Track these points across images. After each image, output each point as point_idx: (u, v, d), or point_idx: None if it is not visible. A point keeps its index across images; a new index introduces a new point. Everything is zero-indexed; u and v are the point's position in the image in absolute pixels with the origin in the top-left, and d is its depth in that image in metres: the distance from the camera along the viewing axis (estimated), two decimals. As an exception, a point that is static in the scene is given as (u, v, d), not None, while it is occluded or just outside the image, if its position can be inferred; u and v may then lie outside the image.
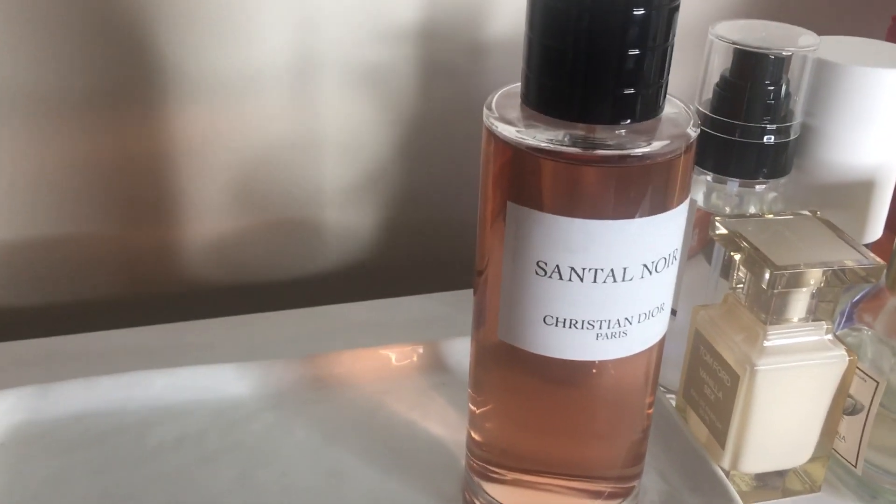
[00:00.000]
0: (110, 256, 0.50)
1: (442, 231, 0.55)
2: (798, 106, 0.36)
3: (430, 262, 0.56)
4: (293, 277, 0.54)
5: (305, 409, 0.39)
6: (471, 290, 0.32)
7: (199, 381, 0.39)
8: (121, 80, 0.46)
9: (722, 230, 0.35)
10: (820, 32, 0.40)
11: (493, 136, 0.28)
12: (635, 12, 0.26)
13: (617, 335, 0.29)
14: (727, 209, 0.38)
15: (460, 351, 0.42)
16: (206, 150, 0.49)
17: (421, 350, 0.42)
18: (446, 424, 0.39)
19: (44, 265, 0.49)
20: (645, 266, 0.28)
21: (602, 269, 0.28)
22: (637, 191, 0.27)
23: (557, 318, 0.28)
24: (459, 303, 0.48)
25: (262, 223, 0.52)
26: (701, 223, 0.38)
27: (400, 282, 0.55)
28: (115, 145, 0.47)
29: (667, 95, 0.29)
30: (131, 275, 0.51)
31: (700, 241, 0.39)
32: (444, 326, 0.46)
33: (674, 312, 0.40)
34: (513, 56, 0.44)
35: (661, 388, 0.42)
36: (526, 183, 0.28)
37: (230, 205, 0.51)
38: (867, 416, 0.35)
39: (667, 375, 0.41)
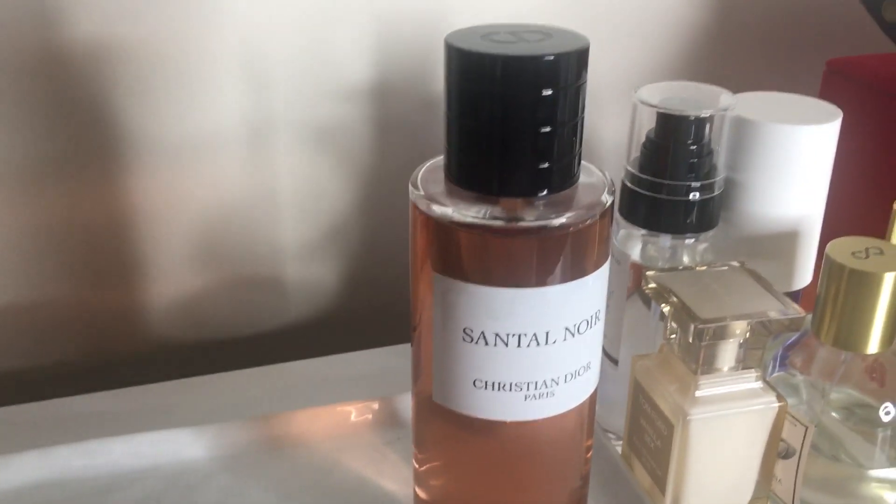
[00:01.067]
0: (71, 321, 0.51)
1: (402, 283, 0.56)
2: (720, 162, 0.37)
3: (391, 315, 0.57)
4: (256, 333, 0.55)
5: (261, 471, 0.40)
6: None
7: (157, 445, 0.40)
8: (78, 144, 0.47)
9: (652, 284, 0.36)
10: (756, 85, 0.42)
11: (418, 210, 0.29)
12: (544, 93, 0.27)
13: (545, 395, 0.30)
14: (661, 262, 0.39)
15: (413, 406, 0.43)
16: (166, 211, 0.50)
17: (376, 406, 0.43)
18: (399, 481, 0.40)
19: (2, 333, 0.50)
20: (567, 329, 0.29)
21: (525, 334, 0.29)
22: (556, 259, 0.29)
23: (486, 382, 0.30)
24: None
25: (223, 281, 0.53)
26: (636, 270, 0.40)
27: (362, 335, 0.56)
28: (74, 210, 0.48)
29: (582, 163, 0.30)
30: (93, 338, 0.52)
31: (636, 283, 0.41)
32: (403, 380, 0.47)
33: (616, 362, 0.42)
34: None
35: (610, 435, 0.43)
36: (450, 255, 0.29)
37: (191, 264, 0.52)
38: (799, 458, 0.36)
39: (613, 421, 0.43)
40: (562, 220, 0.28)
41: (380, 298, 0.57)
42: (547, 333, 0.29)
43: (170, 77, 0.47)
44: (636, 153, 0.38)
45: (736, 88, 0.39)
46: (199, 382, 0.48)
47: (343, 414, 0.43)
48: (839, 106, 0.39)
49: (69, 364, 0.52)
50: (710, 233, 0.38)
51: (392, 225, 0.55)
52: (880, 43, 0.51)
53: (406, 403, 0.43)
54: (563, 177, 0.29)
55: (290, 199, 0.52)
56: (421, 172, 0.31)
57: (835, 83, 0.51)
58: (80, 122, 0.46)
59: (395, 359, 0.50)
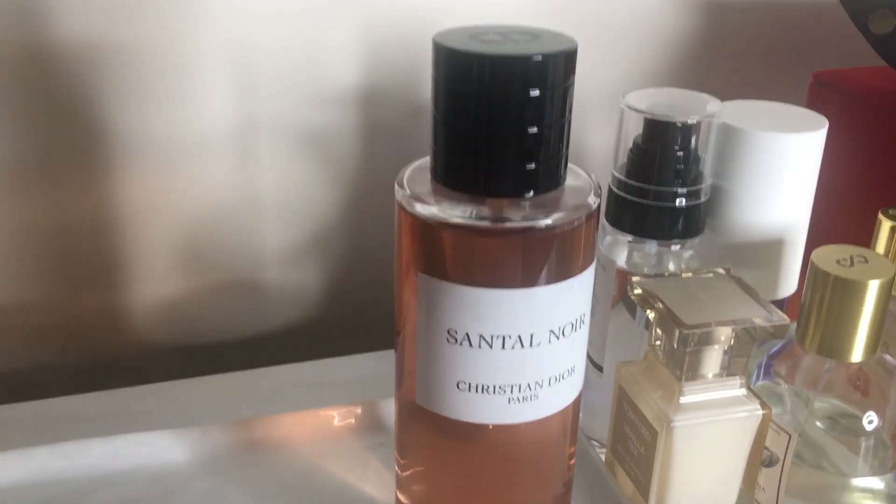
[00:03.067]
0: (52, 323, 0.50)
1: (386, 289, 0.56)
2: (707, 169, 0.37)
3: (375, 320, 0.57)
4: (240, 337, 0.55)
5: (241, 474, 0.40)
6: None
7: (136, 448, 0.40)
8: (63, 145, 0.47)
9: (638, 290, 0.36)
10: (743, 95, 0.42)
11: (403, 210, 0.29)
12: (532, 93, 0.27)
13: (528, 398, 0.30)
14: (646, 269, 0.39)
15: (396, 411, 0.42)
16: (151, 213, 0.50)
17: (359, 411, 0.43)
18: (381, 486, 0.39)
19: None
20: (552, 331, 0.29)
21: (510, 336, 0.29)
22: (541, 260, 0.29)
23: (470, 384, 0.29)
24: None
25: (207, 284, 0.53)
26: (622, 276, 0.40)
27: (345, 340, 0.56)
28: (58, 211, 0.48)
29: (568, 166, 0.30)
30: (74, 340, 0.51)
31: (621, 291, 0.41)
32: (387, 385, 0.47)
33: (600, 369, 0.42)
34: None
35: (594, 443, 0.43)
36: (435, 255, 0.29)
37: (175, 267, 0.52)
38: (783, 467, 0.36)
39: (597, 430, 0.43)
40: (548, 221, 0.28)
41: (364, 304, 0.56)
42: (531, 336, 0.29)
43: (156, 78, 0.47)
44: (623, 159, 0.38)
45: (723, 99, 0.39)
46: (181, 385, 0.48)
47: (326, 418, 0.43)
48: (825, 117, 0.39)
49: (50, 366, 0.51)
50: (696, 239, 0.38)
51: (377, 230, 0.55)
52: (866, 55, 0.52)
53: (389, 409, 0.43)
54: (549, 178, 0.29)
55: (276, 202, 0.52)
56: (407, 172, 0.30)
57: (821, 95, 0.51)
58: (64, 121, 0.46)
59: (378, 364, 0.50)
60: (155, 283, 0.52)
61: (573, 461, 0.34)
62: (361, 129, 0.52)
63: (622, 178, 0.38)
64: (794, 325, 0.37)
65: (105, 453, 0.39)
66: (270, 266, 0.54)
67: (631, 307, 0.40)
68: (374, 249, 0.55)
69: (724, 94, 0.42)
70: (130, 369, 0.53)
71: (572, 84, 0.28)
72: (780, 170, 0.38)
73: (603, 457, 0.41)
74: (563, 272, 0.29)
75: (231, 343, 0.55)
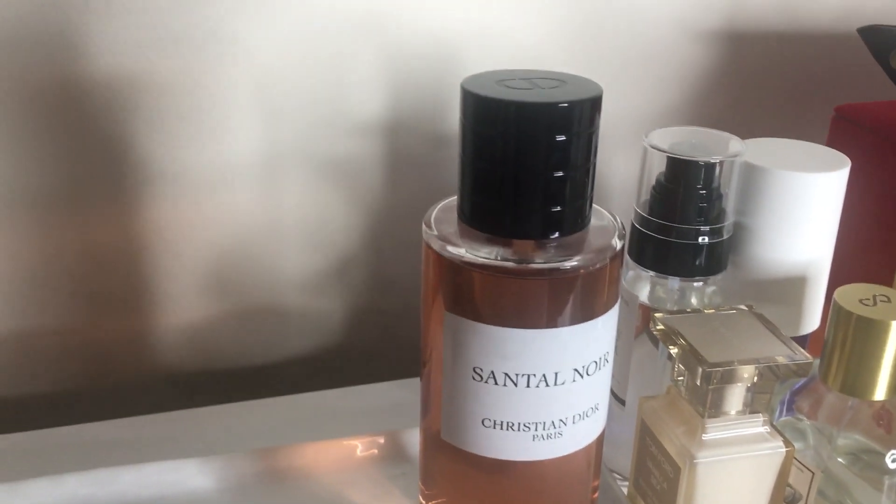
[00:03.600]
0: (80, 349, 0.51)
1: (409, 317, 0.57)
2: (730, 207, 0.38)
3: (398, 348, 0.57)
4: (264, 364, 0.56)
5: (266, 502, 0.40)
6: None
7: (164, 476, 0.40)
8: (94, 175, 0.48)
9: (660, 326, 0.36)
10: (763, 130, 0.42)
11: (431, 250, 0.30)
12: (558, 138, 0.28)
13: (552, 436, 0.30)
14: (669, 304, 0.39)
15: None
16: (178, 242, 0.51)
17: (382, 440, 0.44)
18: (404, 516, 0.40)
19: (11, 359, 0.50)
20: (576, 370, 0.30)
21: (535, 375, 0.29)
22: (566, 301, 0.29)
23: (495, 421, 0.30)
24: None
25: (231, 311, 0.54)
26: (645, 310, 0.40)
27: (369, 367, 0.56)
28: (87, 239, 0.49)
29: (594, 206, 0.31)
30: (100, 366, 0.52)
31: (645, 322, 0.41)
32: (409, 414, 0.47)
33: (623, 402, 0.42)
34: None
35: (617, 476, 0.43)
36: (462, 294, 0.29)
37: (200, 294, 0.52)
38: (805, 505, 0.36)
39: (619, 461, 0.43)
40: (573, 262, 0.29)
41: (385, 332, 0.57)
42: (556, 374, 0.29)
43: (183, 109, 0.48)
44: (646, 196, 0.38)
45: (742, 133, 0.40)
46: (205, 413, 0.48)
47: (349, 448, 0.43)
48: (847, 152, 0.40)
49: (75, 391, 0.52)
50: (719, 276, 0.39)
51: (399, 259, 0.55)
52: (888, 90, 0.52)
53: (411, 438, 0.44)
54: (574, 220, 0.29)
55: (299, 231, 0.53)
56: (434, 212, 0.31)
57: (843, 129, 0.51)
58: (94, 151, 0.47)
59: (399, 392, 0.51)
60: (180, 309, 0.52)
61: (596, 494, 0.34)
62: (384, 159, 0.53)
63: (645, 214, 0.38)
64: (816, 362, 0.37)
65: (134, 480, 0.40)
66: (294, 293, 0.54)
67: (654, 339, 0.41)
68: (395, 277, 0.56)
69: (745, 128, 0.42)
70: (154, 395, 0.53)
71: (597, 129, 0.29)
72: (802, 208, 0.38)
73: (625, 490, 0.41)
74: (588, 312, 0.30)
75: (254, 369, 0.55)
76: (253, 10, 0.47)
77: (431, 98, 0.52)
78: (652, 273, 0.39)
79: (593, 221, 0.30)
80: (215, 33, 0.47)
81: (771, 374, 0.35)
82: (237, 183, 0.50)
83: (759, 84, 0.58)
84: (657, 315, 0.37)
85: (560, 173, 0.28)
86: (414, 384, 0.52)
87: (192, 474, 0.40)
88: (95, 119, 0.47)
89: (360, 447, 0.43)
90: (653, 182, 0.38)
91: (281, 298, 0.54)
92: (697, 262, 0.38)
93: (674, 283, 0.39)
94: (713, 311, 0.37)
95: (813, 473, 0.35)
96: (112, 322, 0.51)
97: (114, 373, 0.52)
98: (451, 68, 0.52)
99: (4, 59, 0.44)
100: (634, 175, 0.40)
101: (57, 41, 0.44)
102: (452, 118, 0.53)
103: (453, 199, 0.31)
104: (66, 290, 0.50)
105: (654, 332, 0.37)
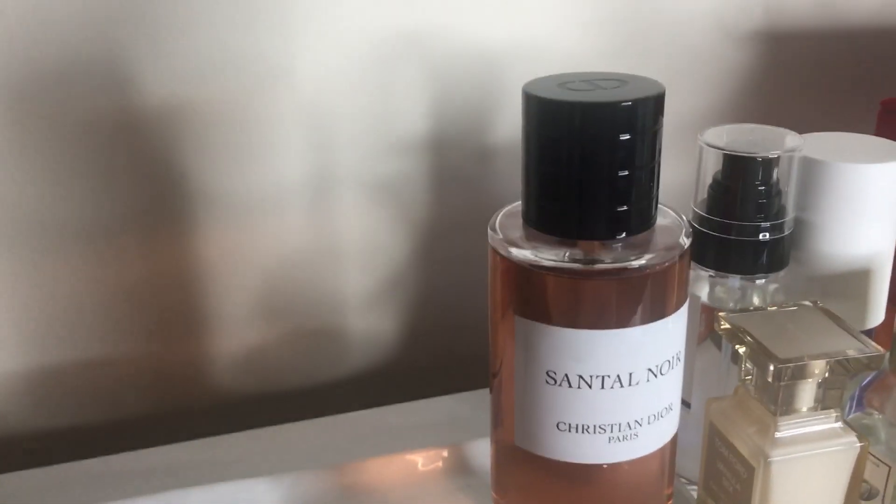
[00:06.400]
0: (139, 375, 0.52)
1: (462, 331, 0.57)
2: (790, 202, 0.38)
3: (451, 363, 0.57)
4: (319, 383, 0.56)
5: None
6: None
7: (233, 495, 0.41)
8: (146, 203, 0.48)
9: (726, 325, 0.36)
10: (809, 125, 0.42)
11: (498, 254, 0.30)
12: (622, 137, 0.28)
13: (628, 437, 0.30)
14: (731, 303, 0.39)
15: (483, 453, 0.43)
16: (232, 266, 0.51)
17: (445, 454, 0.44)
18: (473, 527, 0.40)
19: (75, 388, 0.51)
20: (650, 370, 0.30)
21: (609, 376, 0.29)
22: (636, 300, 0.29)
23: (570, 424, 0.30)
24: (482, 403, 0.49)
25: (286, 333, 0.54)
26: (707, 311, 0.40)
27: (423, 383, 0.56)
28: (141, 266, 0.50)
29: (659, 206, 0.31)
30: (161, 392, 0.52)
31: (708, 328, 0.41)
32: (468, 427, 0.47)
33: (688, 405, 0.41)
34: (519, 159, 0.47)
35: (683, 480, 0.43)
36: (531, 298, 0.30)
37: (256, 317, 0.53)
38: (883, 499, 0.35)
39: (687, 466, 0.42)
40: (641, 261, 0.29)
41: (439, 347, 0.57)
42: (630, 374, 0.29)
43: (233, 136, 0.49)
44: (703, 195, 0.38)
45: (789, 129, 0.39)
46: (265, 433, 0.48)
47: (412, 462, 0.43)
48: (896, 144, 0.39)
49: (134, 417, 0.53)
50: (781, 273, 0.38)
51: (449, 274, 0.55)
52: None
53: (474, 450, 0.44)
54: (640, 219, 0.29)
55: (350, 251, 0.53)
56: (499, 217, 0.31)
57: (890, 123, 0.51)
58: (148, 179, 0.48)
59: (459, 406, 0.51)
60: (237, 332, 0.53)
61: (671, 502, 0.34)
62: (429, 176, 0.53)
63: (703, 213, 0.38)
64: (886, 355, 0.36)
65: (205, 501, 0.40)
66: (347, 313, 0.55)
67: (718, 342, 0.40)
68: (445, 293, 0.56)
69: (791, 125, 0.42)
70: (213, 418, 0.54)
71: (661, 127, 0.29)
72: (863, 200, 0.38)
73: (694, 494, 0.41)
74: (658, 311, 0.29)
75: (310, 389, 0.56)
76: (299, 35, 0.48)
77: (475, 114, 0.52)
78: (711, 272, 0.39)
79: (659, 220, 0.30)
80: (265, 59, 0.47)
81: (842, 369, 0.35)
82: (287, 205, 0.51)
83: (804, 80, 0.58)
84: (722, 314, 0.37)
85: (625, 172, 0.28)
86: (469, 397, 0.52)
87: (262, 492, 0.41)
88: (149, 149, 0.47)
89: (423, 461, 0.43)
90: (709, 181, 0.38)
91: (334, 318, 0.54)
92: (759, 260, 0.37)
93: (735, 281, 0.39)
94: (776, 308, 0.37)
95: (890, 468, 0.35)
96: (170, 348, 0.52)
97: (174, 398, 0.53)
98: (494, 84, 0.52)
99: (57, 94, 0.45)
100: (686, 175, 0.40)
101: (111, 73, 0.45)
102: (495, 132, 0.53)
103: (516, 205, 0.31)
104: (123, 318, 0.50)
105: (720, 331, 0.37)
